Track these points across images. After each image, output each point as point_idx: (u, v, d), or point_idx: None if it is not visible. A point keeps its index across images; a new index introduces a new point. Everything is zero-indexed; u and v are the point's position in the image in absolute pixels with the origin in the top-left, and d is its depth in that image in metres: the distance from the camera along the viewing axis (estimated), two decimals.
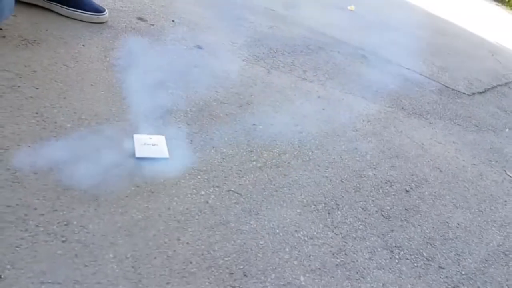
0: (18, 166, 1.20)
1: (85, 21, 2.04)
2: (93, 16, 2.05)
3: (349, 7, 4.38)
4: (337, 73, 2.65)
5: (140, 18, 2.32)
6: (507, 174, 2.27)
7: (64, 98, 1.53)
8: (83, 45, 1.88)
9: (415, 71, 3.29)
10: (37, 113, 1.42)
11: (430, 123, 2.49)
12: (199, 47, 2.28)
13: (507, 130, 2.88)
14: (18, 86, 1.51)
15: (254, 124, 1.80)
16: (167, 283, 1.05)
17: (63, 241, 1.05)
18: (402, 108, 2.54)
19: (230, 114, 1.80)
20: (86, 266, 1.02)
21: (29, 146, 1.29)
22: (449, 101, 2.93)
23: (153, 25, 2.30)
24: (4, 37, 1.75)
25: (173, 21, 2.43)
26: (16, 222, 1.06)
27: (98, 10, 2.06)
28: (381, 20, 4.58)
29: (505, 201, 1.99)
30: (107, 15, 2.11)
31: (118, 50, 1.94)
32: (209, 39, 2.42)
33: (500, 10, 9.18)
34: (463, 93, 3.25)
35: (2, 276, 0.94)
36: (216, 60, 2.22)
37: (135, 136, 1.46)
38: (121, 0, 2.43)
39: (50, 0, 1.98)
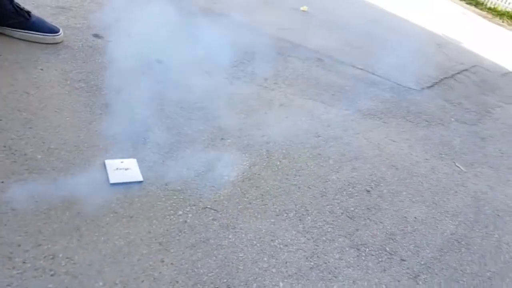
0: None
1: (40, 43, 2.05)
2: (48, 37, 2.06)
3: (301, 8, 4.56)
4: (296, 79, 2.80)
5: (96, 35, 2.35)
6: (456, 165, 2.53)
7: (30, 128, 1.57)
8: (41, 69, 1.90)
9: (368, 71, 3.52)
10: (4, 146, 1.45)
11: (384, 122, 2.70)
12: (159, 62, 2.35)
13: (453, 120, 3.17)
14: None
15: (222, 139, 1.91)
16: None
17: (52, 275, 1.12)
18: (358, 110, 2.74)
19: (198, 130, 1.90)
20: None
21: (2, 182, 1.32)
22: (400, 99, 3.17)
23: (109, 41, 2.34)
24: None
25: (129, 35, 2.48)
26: (2, 260, 1.11)
27: (53, 30, 2.08)
28: (334, 20, 4.80)
29: (456, 192, 2.22)
30: (62, 35, 2.13)
31: (78, 71, 1.98)
32: (168, 52, 2.49)
33: (449, 3, 9.75)
34: (413, 89, 3.52)
35: None
36: (178, 74, 2.30)
37: (107, 161, 1.53)
38: (74, 17, 2.44)
39: (0, 25, 1.97)
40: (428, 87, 3.74)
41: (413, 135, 2.68)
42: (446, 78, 4.18)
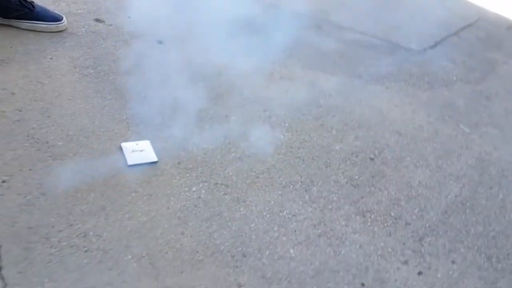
0: (27, 191, 1.40)
1: (46, 32, 2.15)
2: (52, 26, 2.17)
3: None
4: (295, 48, 2.89)
5: (97, 20, 2.44)
6: (460, 127, 2.64)
7: (48, 116, 1.71)
8: (51, 58, 2.02)
9: (367, 34, 3.58)
10: (28, 136, 1.60)
11: (386, 87, 2.80)
12: (160, 42, 2.45)
13: (456, 80, 3.25)
14: (3, 111, 1.66)
15: (226, 116, 2.04)
16: (181, 272, 1.31)
17: (85, 251, 1.29)
18: (360, 76, 2.83)
19: (203, 109, 2.03)
20: (110, 269, 1.26)
21: (30, 170, 1.48)
22: (402, 61, 3.25)
23: (111, 25, 2.44)
24: None
25: (129, 17, 2.57)
26: (41, 241, 1.28)
27: (56, 18, 2.18)
28: None
29: (460, 154, 2.35)
30: (65, 22, 2.23)
31: (85, 58, 2.10)
32: (167, 32, 2.58)
33: None
34: (415, 50, 3.58)
35: None
36: (179, 53, 2.41)
37: (123, 144, 1.67)
38: (75, 2, 2.53)
39: (7, 17, 2.07)
40: (431, 47, 3.79)
41: (416, 99, 2.78)
42: (449, 36, 4.21)
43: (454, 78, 3.29)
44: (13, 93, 1.76)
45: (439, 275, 1.56)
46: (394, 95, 2.72)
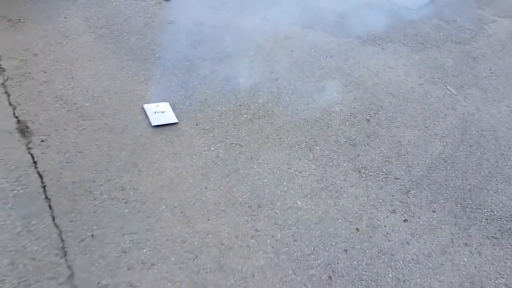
0: (65, 149, 1.61)
1: None
2: None
3: None
4: (296, 7, 3.04)
5: None
6: (447, 88, 2.90)
7: (72, 78, 1.88)
8: (65, 18, 2.14)
9: None
10: (56, 97, 1.78)
11: (382, 48, 3.01)
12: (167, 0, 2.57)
13: (447, 40, 3.46)
14: (29, 73, 1.82)
15: (236, 78, 2.23)
16: (208, 220, 1.58)
17: (125, 202, 1.53)
18: (358, 36, 3.02)
19: (214, 70, 2.22)
20: (149, 217, 1.51)
21: (64, 130, 1.67)
22: (398, 22, 3.43)
23: None
24: None
25: None
26: (85, 194, 1.51)
27: None
28: None
29: (445, 115, 2.62)
30: None
31: (97, 17, 2.22)
32: None
33: None
34: (411, 9, 3.75)
35: (94, 235, 1.41)
36: (186, 11, 2.54)
37: (145, 106, 1.87)
38: None
39: None
40: (425, 5, 3.95)
41: (409, 60, 3.01)
42: None
43: (445, 39, 3.50)
44: (35, 54, 1.91)
45: (421, 222, 1.87)
46: (389, 56, 2.94)
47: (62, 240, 1.37)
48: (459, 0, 4.28)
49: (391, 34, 3.23)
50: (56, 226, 1.39)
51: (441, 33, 3.55)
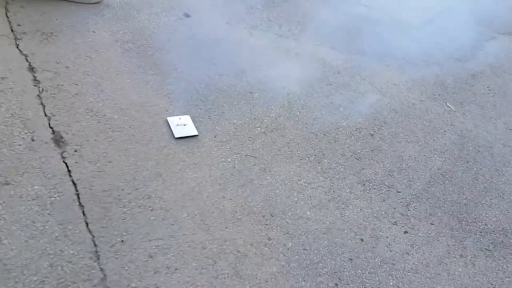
0: (96, 159, 1.70)
1: (85, 3, 2.33)
2: None
3: None
4: (307, 22, 3.11)
5: None
6: (447, 105, 2.99)
7: (101, 90, 1.97)
8: (94, 32, 2.23)
9: (372, 7, 3.79)
10: (87, 109, 1.87)
11: (387, 65, 3.09)
12: (187, 15, 2.65)
13: (447, 56, 3.54)
14: (62, 85, 1.91)
15: (251, 93, 2.32)
16: (226, 228, 1.67)
17: (151, 210, 1.62)
18: (364, 53, 3.11)
19: (230, 85, 2.30)
20: (172, 224, 1.61)
21: (95, 140, 1.77)
22: (402, 38, 3.50)
23: None
24: (25, 33, 2.07)
25: None
26: (115, 201, 1.60)
27: None
28: None
29: (445, 131, 2.71)
30: None
31: (124, 32, 2.31)
32: (192, 4, 2.77)
33: None
34: (414, 25, 3.83)
35: (124, 240, 1.51)
36: (205, 27, 2.62)
37: (168, 118, 1.96)
38: None
39: None
40: (428, 21, 4.01)
41: (412, 77, 3.09)
42: (446, 9, 4.41)
43: (446, 56, 3.57)
44: (67, 67, 2.00)
45: (420, 234, 1.96)
46: (393, 73, 3.02)
47: (95, 245, 1.46)
48: (461, 16, 4.36)
49: (395, 51, 3.31)
50: (90, 231, 1.49)
51: (443, 51, 3.62)
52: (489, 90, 3.36)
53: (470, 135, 2.74)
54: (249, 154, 1.99)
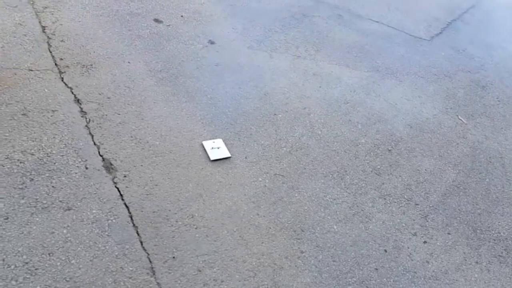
0: (143, 183, 1.92)
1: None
2: None
3: None
4: (322, 42, 3.34)
5: (156, 20, 2.85)
6: (459, 118, 3.18)
7: (142, 119, 2.19)
8: (129, 62, 2.46)
9: (382, 23, 4.01)
10: (131, 136, 2.09)
11: (400, 81, 3.30)
12: (212, 42, 2.88)
13: (456, 68, 3.73)
14: (106, 115, 2.14)
15: (275, 114, 2.53)
16: (262, 243, 1.87)
17: (195, 228, 1.83)
18: (377, 70, 3.32)
19: (256, 108, 2.52)
20: (215, 241, 1.82)
21: (141, 166, 1.98)
22: (413, 53, 3.72)
23: (169, 25, 2.85)
24: (68, 66, 2.30)
25: (182, 16, 2.97)
26: (164, 221, 1.81)
27: None
28: None
29: (457, 144, 2.90)
30: None
31: (156, 61, 2.54)
32: (215, 31, 3.00)
33: None
34: (424, 39, 4.04)
35: (175, 257, 1.72)
36: (229, 53, 2.85)
37: (204, 142, 2.18)
38: (133, 1, 2.91)
39: None
40: (437, 35, 4.23)
41: (424, 91, 3.29)
42: (454, 20, 4.64)
43: (456, 68, 3.77)
44: (109, 98, 2.23)
45: (438, 243, 2.15)
46: (406, 89, 3.23)
47: (150, 262, 1.67)
48: (469, 27, 4.56)
49: (407, 66, 3.52)
50: (144, 249, 1.70)
51: (453, 63, 3.83)
52: (499, 101, 3.55)
53: (481, 147, 2.93)
54: (277, 173, 2.20)
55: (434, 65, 3.69)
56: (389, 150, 2.61)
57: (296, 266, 1.83)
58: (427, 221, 2.24)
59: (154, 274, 1.64)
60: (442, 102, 3.24)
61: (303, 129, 2.51)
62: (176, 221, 1.83)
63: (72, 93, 2.18)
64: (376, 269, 1.91)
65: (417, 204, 2.32)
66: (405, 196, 2.34)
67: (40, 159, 1.83)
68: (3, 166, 1.76)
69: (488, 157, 2.87)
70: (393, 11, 4.28)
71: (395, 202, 2.29)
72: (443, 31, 4.36)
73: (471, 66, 3.88)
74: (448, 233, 2.22)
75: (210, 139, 2.22)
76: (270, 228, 1.94)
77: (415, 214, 2.26)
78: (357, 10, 4.02)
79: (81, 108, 2.13)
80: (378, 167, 2.46)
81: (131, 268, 1.63)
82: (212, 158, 2.12)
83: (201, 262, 1.73)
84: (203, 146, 2.17)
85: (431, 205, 2.34)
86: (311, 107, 2.69)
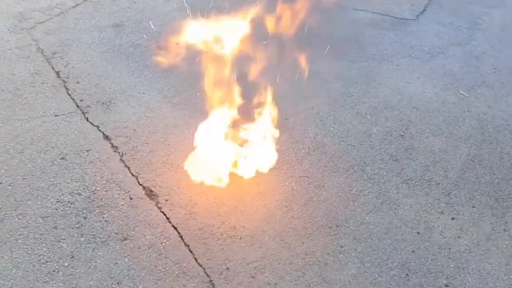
0: (184, 203, 2.07)
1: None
2: None
3: None
4: (316, 39, 3.46)
5: (159, 47, 2.99)
6: (460, 93, 3.34)
7: (168, 144, 2.34)
8: (143, 93, 2.61)
9: (367, 10, 4.18)
10: (163, 162, 2.24)
11: (396, 65, 3.46)
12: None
13: (447, 43, 3.87)
14: (136, 146, 2.29)
15: (286, 118, 2.69)
16: (303, 243, 2.03)
17: (240, 238, 1.98)
18: (373, 58, 3.48)
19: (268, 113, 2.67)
20: (260, 247, 1.97)
21: (178, 188, 2.13)
22: (403, 35, 3.87)
23: (170, 52, 3.00)
24: (89, 106, 2.45)
25: (177, 44, 3.11)
26: (210, 236, 1.96)
27: None
28: None
29: (464, 118, 3.05)
30: None
31: (168, 88, 2.69)
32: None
33: None
34: (410, 19, 4.19)
35: (228, 267, 1.87)
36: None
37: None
38: (133, 33, 3.05)
39: None
40: (421, 12, 4.37)
41: (422, 72, 3.44)
42: None
43: (447, 43, 3.91)
44: (134, 130, 2.38)
45: (465, 218, 2.31)
46: (404, 72, 3.39)
47: (208, 275, 1.82)
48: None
49: (400, 49, 3.68)
50: (200, 265, 1.85)
51: (443, 38, 3.99)
52: (495, 69, 3.68)
53: (487, 118, 3.07)
54: (301, 174, 2.36)
55: (425, 43, 3.84)
56: (402, 135, 2.77)
57: (339, 260, 1.98)
58: (451, 198, 2.40)
59: (214, 286, 1.79)
60: (441, 80, 3.40)
61: (316, 128, 2.67)
62: (221, 235, 1.98)
63: (100, 130, 2.33)
64: (413, 251, 2.07)
65: (438, 184, 2.48)
66: (426, 178, 2.50)
67: (88, 197, 1.98)
68: (57, 210, 1.91)
69: (496, 126, 3.01)
70: None
71: (418, 185, 2.45)
72: (426, 7, 4.51)
73: (460, 38, 4.02)
74: (473, 206, 2.37)
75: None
76: (307, 228, 2.10)
77: (438, 193, 2.41)
78: (341, 2, 4.18)
79: (112, 144, 2.28)
80: (394, 153, 2.62)
81: (192, 284, 1.78)
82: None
83: (252, 269, 1.88)
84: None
85: (451, 182, 2.50)
86: (319, 106, 2.85)
